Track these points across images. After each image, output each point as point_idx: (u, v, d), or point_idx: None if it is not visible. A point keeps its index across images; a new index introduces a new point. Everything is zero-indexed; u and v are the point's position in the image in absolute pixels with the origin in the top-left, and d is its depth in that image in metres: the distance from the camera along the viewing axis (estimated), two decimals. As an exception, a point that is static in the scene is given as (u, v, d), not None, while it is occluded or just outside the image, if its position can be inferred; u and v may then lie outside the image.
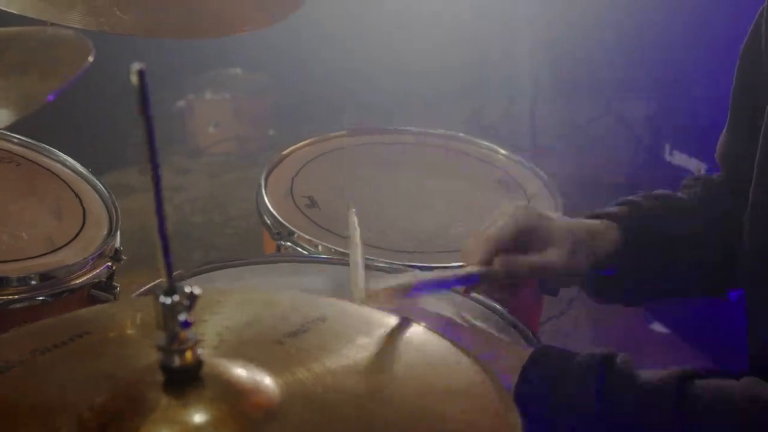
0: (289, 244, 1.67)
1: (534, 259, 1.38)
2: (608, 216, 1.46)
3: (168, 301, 0.83)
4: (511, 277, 1.39)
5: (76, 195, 1.62)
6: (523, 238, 1.38)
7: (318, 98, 4.25)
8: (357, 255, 1.45)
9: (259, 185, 1.80)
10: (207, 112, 4.28)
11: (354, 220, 1.53)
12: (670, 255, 1.46)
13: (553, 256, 1.38)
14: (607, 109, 4.14)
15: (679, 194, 1.53)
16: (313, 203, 1.79)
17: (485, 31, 4.22)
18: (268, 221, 1.73)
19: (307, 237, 1.66)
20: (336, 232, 1.68)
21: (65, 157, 1.71)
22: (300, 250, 1.66)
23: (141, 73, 0.78)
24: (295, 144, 1.98)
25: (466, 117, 4.28)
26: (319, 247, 1.65)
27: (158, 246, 0.82)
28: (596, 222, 1.45)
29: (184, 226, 3.47)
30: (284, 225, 1.70)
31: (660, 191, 1.53)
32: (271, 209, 1.73)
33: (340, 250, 1.61)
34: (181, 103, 4.26)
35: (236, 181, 4.05)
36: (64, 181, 1.65)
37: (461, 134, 2.09)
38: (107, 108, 3.50)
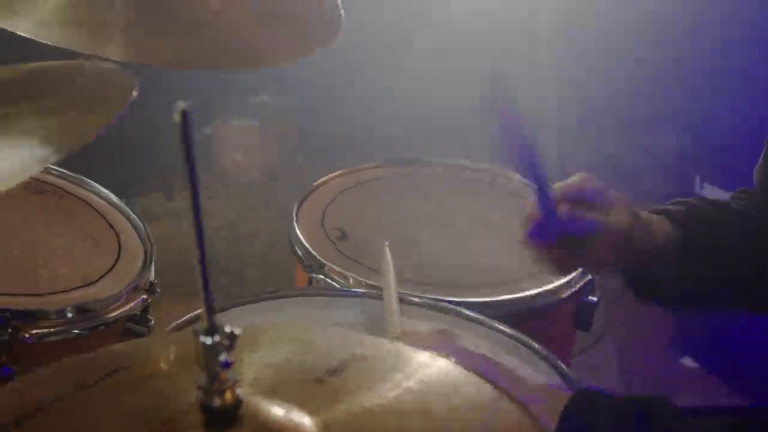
0: (321, 276, 1.67)
1: (595, 215, 1.35)
2: (663, 212, 1.43)
3: (209, 341, 0.83)
4: (569, 228, 1.34)
5: (111, 227, 1.64)
6: (587, 198, 1.36)
7: (345, 126, 4.26)
8: (391, 291, 1.44)
9: (291, 217, 1.80)
10: (234, 138, 4.30)
11: (387, 255, 1.52)
12: (721, 260, 1.43)
13: (614, 218, 1.34)
14: (636, 141, 4.12)
15: (731, 203, 1.50)
16: (344, 235, 1.79)
17: (508, 62, 4.22)
18: (300, 253, 1.73)
19: (337, 269, 1.66)
20: (367, 264, 1.68)
21: (100, 188, 1.72)
22: (331, 282, 1.66)
23: (185, 113, 0.79)
24: (324, 172, 1.99)
25: (490, 148, 4.27)
26: (350, 280, 1.65)
27: (199, 286, 0.83)
28: (653, 215, 1.43)
29: (210, 252, 3.46)
30: (315, 257, 1.70)
31: (712, 198, 1.50)
32: (303, 241, 1.73)
33: (371, 282, 1.61)
34: (207, 129, 4.28)
35: (263, 207, 4.05)
36: (100, 213, 1.66)
37: (494, 166, 2.09)
38: (131, 134, 3.51)
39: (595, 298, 1.73)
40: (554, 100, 4.19)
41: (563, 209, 1.34)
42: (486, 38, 4.18)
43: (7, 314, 1.38)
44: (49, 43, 1.44)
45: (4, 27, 1.40)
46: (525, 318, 1.59)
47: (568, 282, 1.69)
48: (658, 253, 1.40)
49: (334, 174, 1.99)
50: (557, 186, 1.37)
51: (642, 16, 3.59)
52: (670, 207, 1.45)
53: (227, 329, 0.83)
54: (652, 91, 3.90)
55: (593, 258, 1.40)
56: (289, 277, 1.83)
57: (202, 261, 0.79)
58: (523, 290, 1.65)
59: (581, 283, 1.71)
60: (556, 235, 1.35)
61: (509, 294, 1.64)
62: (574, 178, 1.38)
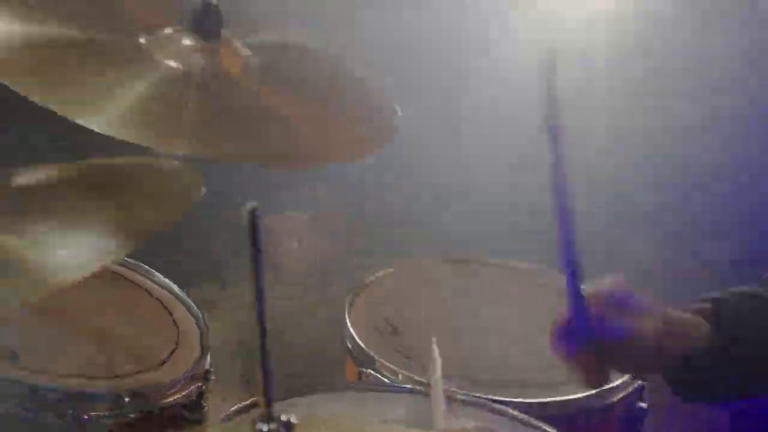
0: (371, 371, 1.69)
1: (625, 320, 1.32)
2: (696, 312, 1.41)
3: (265, 428, 0.85)
4: (599, 333, 1.31)
5: (170, 314, 1.69)
6: (617, 304, 1.33)
7: (400, 220, 4.28)
8: (438, 389, 1.45)
9: (344, 311, 1.83)
10: (288, 229, 4.34)
11: (435, 352, 1.54)
12: (756, 353, 1.41)
13: (646, 325, 1.32)
14: (691, 248, 4.09)
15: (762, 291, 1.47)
16: (395, 331, 1.81)
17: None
18: (351, 347, 1.76)
19: (389, 365, 1.68)
20: (419, 361, 1.69)
21: (159, 275, 1.78)
22: (382, 378, 1.68)
23: (253, 213, 0.83)
24: (376, 264, 2.02)
25: (541, 248, 4.26)
26: (400, 376, 1.67)
27: (259, 376, 0.86)
28: (689, 315, 1.40)
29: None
30: (366, 352, 1.72)
31: (743, 288, 1.48)
32: (355, 336, 1.76)
33: (421, 380, 1.62)
34: (263, 220, 4.32)
35: (316, 300, 4.07)
36: (160, 301, 1.72)
37: (544, 267, 2.10)
38: (187, 222, 3.56)
39: (644, 405, 1.73)
40: (604, 208, 4.18)
41: (593, 312, 1.31)
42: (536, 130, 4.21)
43: (67, 396, 1.43)
44: (121, 139, 1.49)
45: (79, 123, 1.46)
46: (571, 421, 1.59)
47: (616, 387, 1.68)
48: (697, 351, 1.37)
49: (386, 270, 2.02)
50: (587, 289, 1.34)
51: (699, 121, 3.61)
52: (702, 305, 1.42)
53: (284, 418, 0.86)
54: (708, 198, 3.89)
55: (625, 365, 1.40)
56: (339, 367, 1.85)
57: (263, 353, 0.82)
58: (570, 393, 1.65)
59: (630, 389, 1.71)
60: (584, 341, 1.32)
61: (556, 396, 1.64)
62: (605, 281, 1.36)
